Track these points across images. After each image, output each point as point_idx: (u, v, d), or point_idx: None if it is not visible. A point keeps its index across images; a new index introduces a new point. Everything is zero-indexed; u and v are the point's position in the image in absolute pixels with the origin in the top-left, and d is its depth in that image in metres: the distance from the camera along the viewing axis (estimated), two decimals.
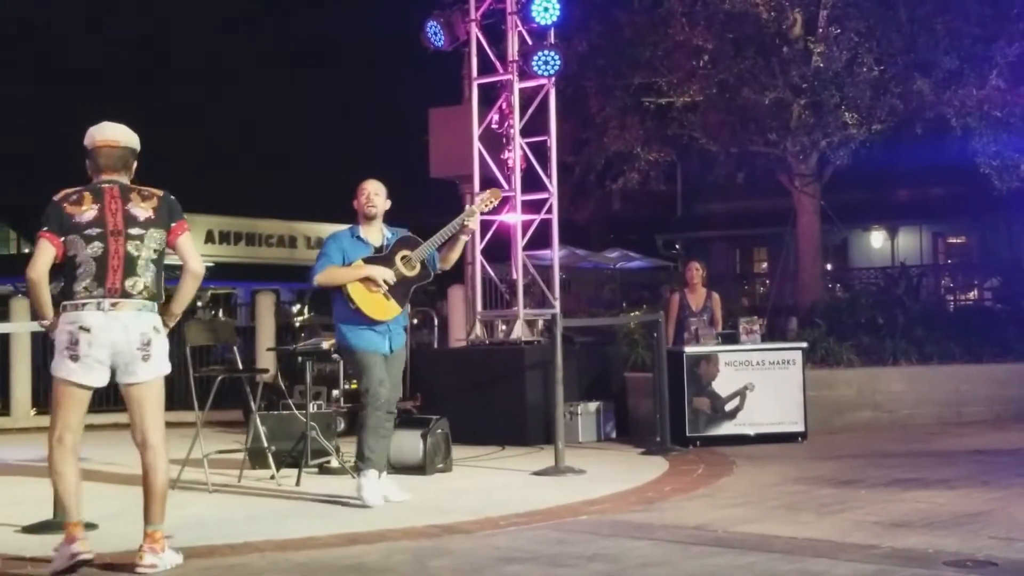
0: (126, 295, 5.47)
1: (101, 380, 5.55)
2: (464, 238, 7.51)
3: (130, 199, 5.56)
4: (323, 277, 7.47)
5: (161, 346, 5.58)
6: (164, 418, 5.66)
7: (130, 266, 5.48)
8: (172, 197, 5.67)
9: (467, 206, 7.91)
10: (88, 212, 5.49)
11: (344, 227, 7.73)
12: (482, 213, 7.71)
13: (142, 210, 5.55)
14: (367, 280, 7.39)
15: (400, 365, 7.76)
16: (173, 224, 5.59)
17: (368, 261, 7.45)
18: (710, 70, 15.90)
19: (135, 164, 5.73)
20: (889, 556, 5.54)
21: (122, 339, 5.45)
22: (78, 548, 5.35)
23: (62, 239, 5.50)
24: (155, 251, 5.54)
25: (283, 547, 6.01)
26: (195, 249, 5.65)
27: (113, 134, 5.69)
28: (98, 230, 5.47)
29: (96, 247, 5.46)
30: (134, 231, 5.51)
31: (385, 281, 7.36)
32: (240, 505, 7.55)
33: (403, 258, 7.48)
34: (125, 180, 5.65)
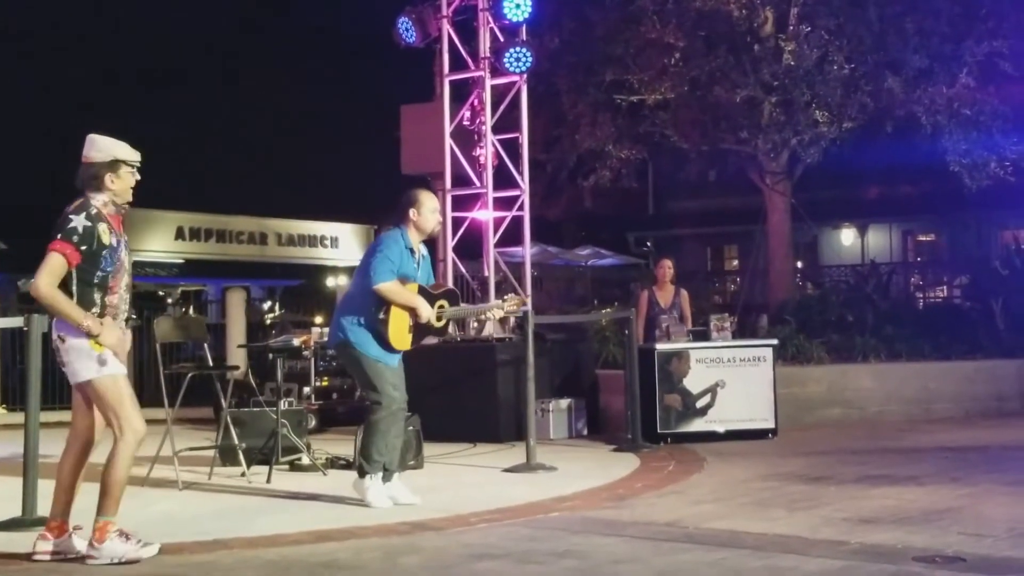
0: None
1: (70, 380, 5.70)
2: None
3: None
4: (388, 289, 7.17)
5: (67, 354, 5.55)
6: (115, 421, 5.64)
7: None
8: (64, 215, 5.55)
9: (502, 300, 8.07)
10: None
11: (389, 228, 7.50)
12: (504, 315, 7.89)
13: None
14: (412, 310, 7.27)
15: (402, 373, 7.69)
16: (49, 242, 5.54)
17: (421, 293, 7.35)
18: (681, 68, 15.95)
19: (97, 177, 5.62)
20: (858, 552, 5.56)
21: None
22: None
23: None
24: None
25: (253, 544, 5.99)
26: (43, 270, 5.44)
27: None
28: None
29: None
30: None
31: (420, 320, 7.30)
32: (210, 502, 7.51)
33: (440, 307, 7.44)
34: (88, 194, 5.62)
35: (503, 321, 11.86)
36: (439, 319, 7.42)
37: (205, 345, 8.95)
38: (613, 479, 8.28)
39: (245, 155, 45.09)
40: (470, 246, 12.43)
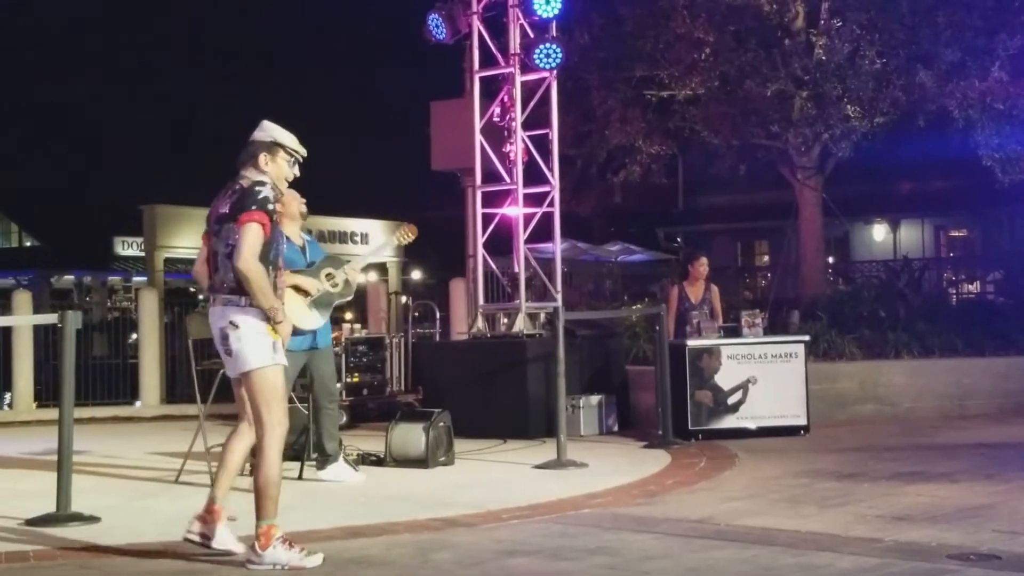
0: (213, 290, 5.48)
1: (230, 371, 5.60)
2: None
3: (222, 195, 5.52)
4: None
5: (240, 341, 5.37)
6: (264, 415, 5.40)
7: (214, 262, 5.48)
8: (251, 187, 5.39)
9: (389, 237, 8.22)
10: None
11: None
12: (400, 245, 8.03)
13: (222, 204, 5.49)
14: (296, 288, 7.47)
15: (328, 359, 8.26)
16: (240, 215, 5.35)
17: (308, 272, 7.68)
18: (712, 63, 15.86)
19: (254, 156, 5.51)
20: (892, 550, 5.53)
21: (214, 333, 5.50)
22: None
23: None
24: (228, 245, 5.38)
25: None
26: (245, 243, 5.27)
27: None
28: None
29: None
30: (216, 228, 5.49)
31: (318, 290, 7.53)
32: (242, 498, 7.51)
33: (327, 274, 7.63)
34: (244, 173, 5.51)
35: (533, 318, 11.86)
36: (334, 285, 7.59)
37: None
38: (644, 475, 8.27)
39: None
40: (500, 242, 12.43)
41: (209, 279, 5.52)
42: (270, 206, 5.32)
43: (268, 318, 5.32)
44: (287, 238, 7.64)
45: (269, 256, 5.38)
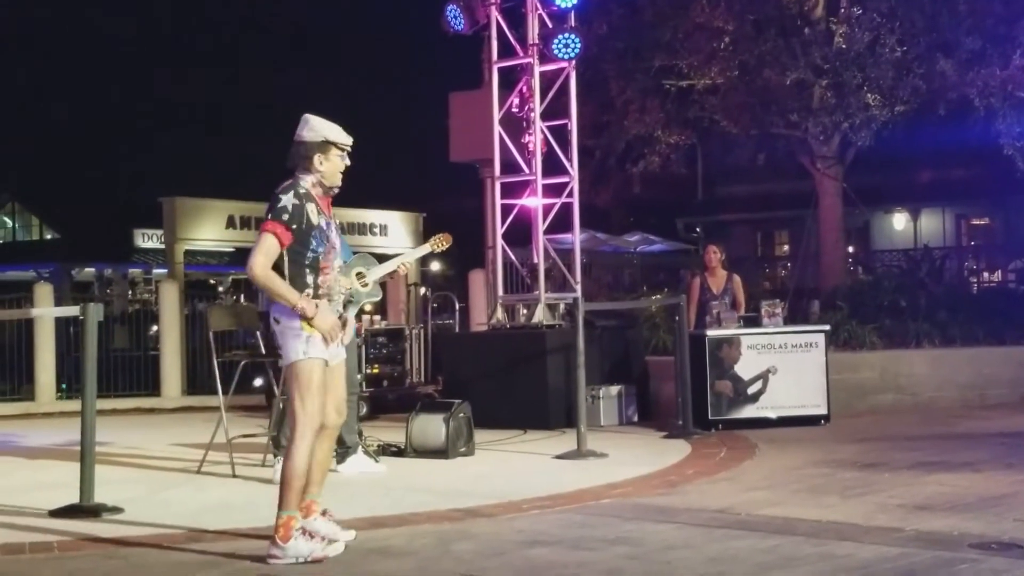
0: None
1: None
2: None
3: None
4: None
5: (282, 336, 5.44)
6: (297, 408, 5.38)
7: None
8: (276, 193, 5.46)
9: (421, 246, 8.10)
10: None
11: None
12: (432, 254, 7.84)
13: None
14: None
15: (351, 351, 7.83)
16: (264, 221, 5.43)
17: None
18: (731, 52, 15.84)
19: (307, 157, 5.52)
20: (914, 539, 5.52)
21: None
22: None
23: None
24: None
25: None
26: (257, 250, 5.34)
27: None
28: None
29: None
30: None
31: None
32: (264, 489, 7.56)
33: (358, 274, 7.59)
34: (297, 174, 5.54)
35: (553, 308, 11.86)
36: (364, 285, 7.55)
37: (257, 333, 9.02)
38: (664, 466, 8.27)
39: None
40: (519, 233, 12.43)
41: None
42: (285, 216, 5.36)
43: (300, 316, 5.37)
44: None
45: (305, 260, 5.42)
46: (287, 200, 5.40)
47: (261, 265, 5.32)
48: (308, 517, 5.47)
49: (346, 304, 5.63)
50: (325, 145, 5.53)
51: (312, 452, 5.42)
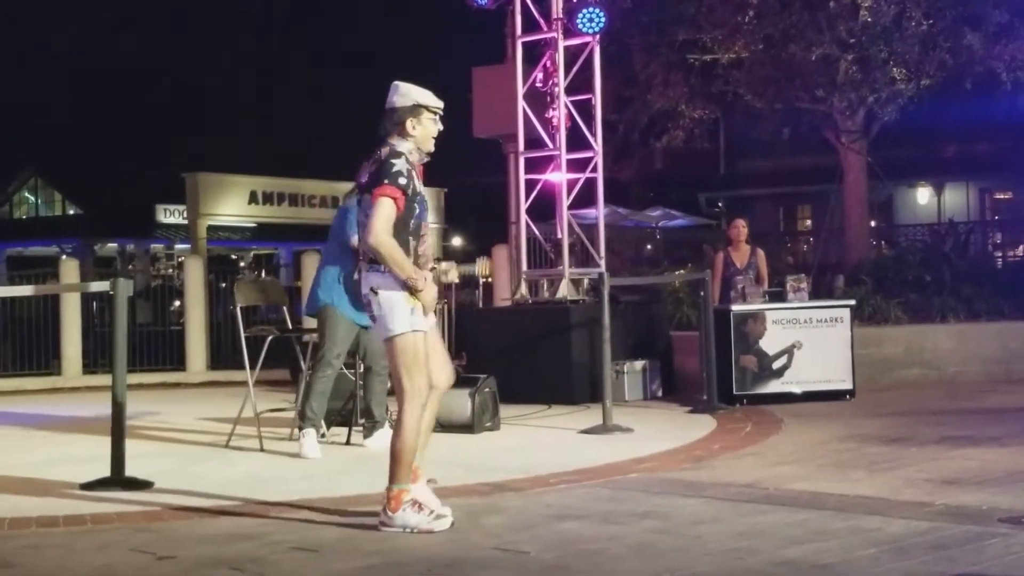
0: (360, 256, 5.53)
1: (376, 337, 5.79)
2: None
3: (364, 163, 5.52)
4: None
5: (380, 308, 5.38)
6: (404, 382, 5.35)
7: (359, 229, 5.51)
8: (386, 159, 5.38)
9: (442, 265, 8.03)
10: None
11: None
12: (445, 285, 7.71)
13: (363, 174, 5.49)
14: None
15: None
16: (375, 188, 5.35)
17: None
18: (756, 25, 15.73)
19: (399, 123, 5.46)
20: (943, 513, 5.52)
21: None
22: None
23: None
24: (367, 216, 5.37)
25: (337, 503, 6.06)
26: (376, 218, 5.26)
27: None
28: None
29: None
30: (358, 196, 5.55)
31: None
32: (291, 463, 7.62)
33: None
34: (391, 141, 5.48)
35: (576, 284, 11.86)
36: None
37: (283, 308, 9.06)
38: (690, 440, 8.28)
39: (317, 119, 45.40)
40: (543, 208, 12.43)
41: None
42: (402, 180, 5.30)
43: (408, 287, 5.33)
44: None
45: (409, 227, 5.37)
46: (401, 165, 5.34)
47: (385, 231, 5.25)
48: (414, 483, 5.46)
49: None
50: (417, 109, 5.48)
51: (420, 421, 5.40)
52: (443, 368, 5.60)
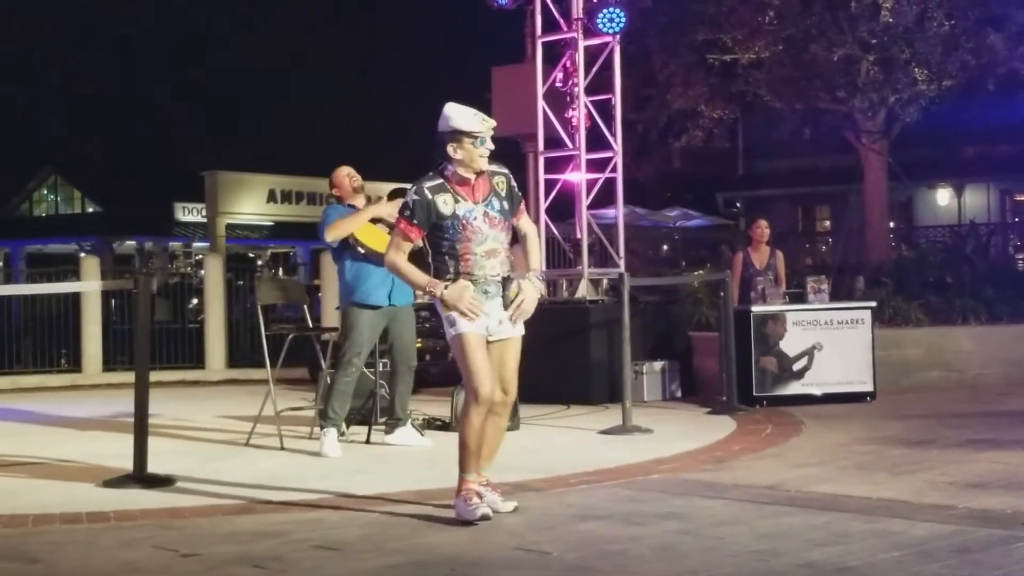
0: None
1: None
2: None
3: None
4: (334, 230, 7.88)
5: (444, 317, 5.65)
6: (464, 380, 5.63)
7: None
8: (411, 187, 5.69)
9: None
10: None
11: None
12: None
13: None
14: (375, 221, 7.92)
15: (410, 323, 8.25)
16: None
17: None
18: (776, 26, 15.70)
19: (442, 147, 5.63)
20: (966, 517, 5.49)
21: None
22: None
23: None
24: None
25: (358, 502, 6.08)
26: (390, 240, 5.80)
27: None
28: None
29: None
30: None
31: (391, 215, 7.46)
32: (311, 461, 7.63)
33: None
34: (442, 165, 5.68)
35: (596, 284, 11.85)
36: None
37: (304, 306, 9.08)
38: (710, 441, 8.26)
39: (336, 118, 45.47)
40: (562, 208, 12.42)
41: None
42: (407, 212, 5.58)
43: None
44: (356, 207, 8.11)
45: (442, 249, 5.61)
46: (409, 197, 5.63)
47: (390, 255, 5.67)
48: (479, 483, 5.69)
49: (505, 283, 5.70)
50: (456, 135, 5.60)
51: (484, 421, 5.59)
52: (498, 384, 5.70)
